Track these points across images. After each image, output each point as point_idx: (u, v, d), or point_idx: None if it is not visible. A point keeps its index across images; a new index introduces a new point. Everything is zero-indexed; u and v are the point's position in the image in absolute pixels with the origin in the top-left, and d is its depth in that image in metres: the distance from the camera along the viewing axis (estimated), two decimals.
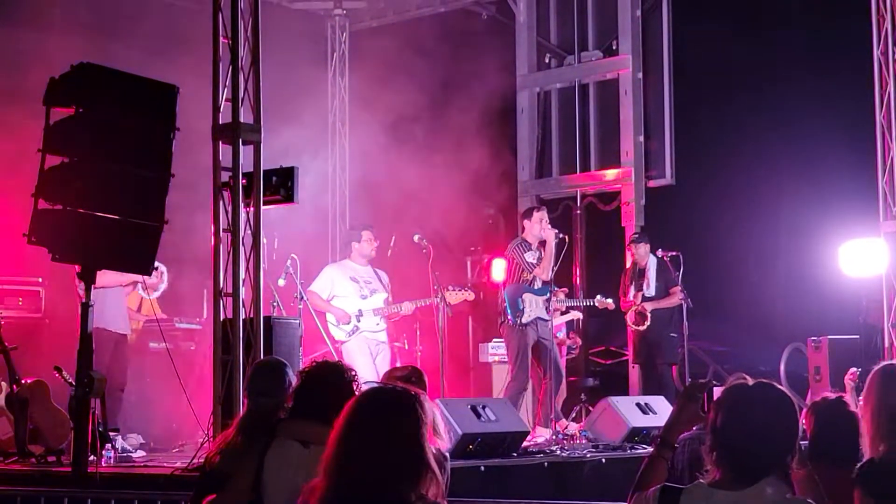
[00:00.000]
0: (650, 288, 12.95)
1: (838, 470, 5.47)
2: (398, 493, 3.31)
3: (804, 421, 6.01)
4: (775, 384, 3.80)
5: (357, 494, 3.33)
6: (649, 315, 12.82)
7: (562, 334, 13.32)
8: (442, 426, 5.60)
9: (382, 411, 3.41)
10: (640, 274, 13.02)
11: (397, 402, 3.44)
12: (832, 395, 5.75)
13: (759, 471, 3.56)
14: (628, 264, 13.42)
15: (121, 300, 10.76)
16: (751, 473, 3.56)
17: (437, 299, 11.38)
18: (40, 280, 11.82)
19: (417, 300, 11.58)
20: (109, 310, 10.42)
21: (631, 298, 13.00)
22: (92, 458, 7.98)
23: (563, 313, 13.15)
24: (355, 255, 11.75)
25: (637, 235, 13.41)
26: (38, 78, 8.15)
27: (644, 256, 13.07)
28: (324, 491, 3.36)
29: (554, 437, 10.78)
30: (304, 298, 11.38)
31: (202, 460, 8.01)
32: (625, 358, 13.24)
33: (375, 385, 3.64)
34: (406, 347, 13.14)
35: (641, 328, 12.84)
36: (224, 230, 8.35)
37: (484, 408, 9.36)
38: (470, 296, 11.65)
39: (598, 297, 12.92)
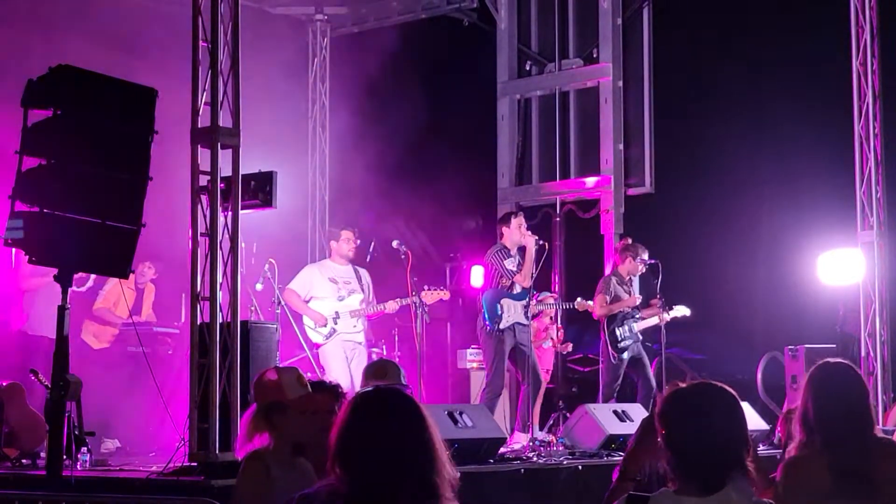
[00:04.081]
0: (634, 295, 12.92)
1: None
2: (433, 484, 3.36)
3: (779, 428, 6.06)
4: (712, 382, 3.76)
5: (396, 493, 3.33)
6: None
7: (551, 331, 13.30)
8: None
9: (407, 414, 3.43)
10: (628, 281, 12.96)
11: (406, 401, 3.46)
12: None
13: (721, 476, 3.55)
14: (607, 271, 13.41)
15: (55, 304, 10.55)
16: (713, 480, 3.55)
17: (416, 304, 11.39)
18: None
19: (400, 299, 11.56)
20: (40, 314, 10.38)
21: None
22: (67, 461, 7.94)
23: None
24: (334, 255, 11.76)
25: (628, 243, 13.37)
26: (16, 79, 8.11)
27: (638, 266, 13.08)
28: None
29: (531, 443, 10.79)
30: (282, 302, 11.37)
31: (176, 464, 8.02)
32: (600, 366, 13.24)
33: (379, 387, 3.62)
34: (384, 353, 13.13)
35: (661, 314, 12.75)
36: (202, 234, 8.31)
37: (461, 414, 9.35)
38: (445, 295, 11.65)
39: (579, 299, 12.91)
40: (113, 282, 11.47)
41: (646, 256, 12.62)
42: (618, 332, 12.59)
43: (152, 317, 12.21)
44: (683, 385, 3.74)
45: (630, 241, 12.79)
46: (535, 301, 12.56)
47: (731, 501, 3.54)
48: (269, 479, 5.24)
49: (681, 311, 12.69)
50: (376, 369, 6.19)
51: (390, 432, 3.38)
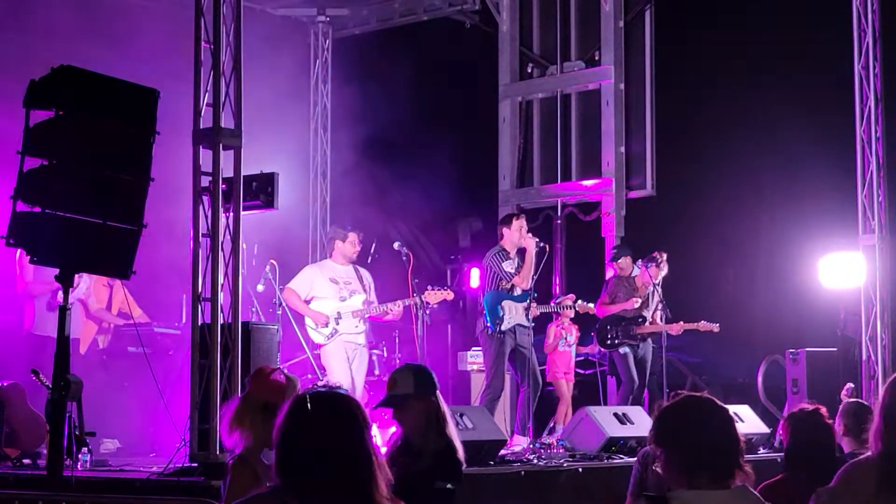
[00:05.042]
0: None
1: (814, 480, 5.50)
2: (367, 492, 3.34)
3: (781, 432, 6.05)
4: (696, 394, 4.00)
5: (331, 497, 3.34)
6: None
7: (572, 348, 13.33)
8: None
9: (345, 414, 3.43)
10: (633, 282, 12.97)
11: (347, 403, 3.46)
12: (809, 407, 5.78)
13: (728, 466, 3.73)
14: (609, 275, 13.42)
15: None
16: (722, 470, 3.72)
17: (416, 305, 11.38)
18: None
19: (399, 300, 11.54)
20: (44, 314, 10.36)
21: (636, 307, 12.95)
22: (68, 461, 7.94)
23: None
24: (337, 255, 11.65)
25: (616, 251, 13.35)
26: (18, 80, 8.11)
27: (628, 268, 13.07)
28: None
29: (531, 445, 10.78)
30: (282, 302, 11.35)
31: (177, 465, 8.03)
32: (603, 368, 13.24)
33: (318, 389, 3.63)
34: (385, 355, 13.13)
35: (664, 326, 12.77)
36: (203, 235, 8.33)
37: (461, 416, 9.35)
38: (449, 295, 11.62)
39: (580, 301, 12.90)
40: (92, 281, 11.41)
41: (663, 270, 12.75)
42: (609, 332, 12.61)
43: (144, 316, 12.17)
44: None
45: (661, 255, 12.79)
46: (552, 304, 12.65)
47: (748, 498, 3.74)
48: (258, 484, 5.23)
49: (706, 325, 12.79)
50: (389, 379, 6.16)
51: (315, 435, 3.39)
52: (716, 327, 12.81)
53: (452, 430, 5.88)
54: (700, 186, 15.42)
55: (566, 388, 12.99)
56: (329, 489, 3.34)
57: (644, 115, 14.81)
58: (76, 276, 10.41)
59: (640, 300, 12.62)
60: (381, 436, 9.98)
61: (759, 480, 5.70)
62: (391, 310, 11.54)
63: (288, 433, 3.42)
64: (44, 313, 10.58)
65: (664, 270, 12.77)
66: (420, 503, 5.68)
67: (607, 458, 10.12)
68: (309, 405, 3.42)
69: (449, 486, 5.78)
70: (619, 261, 13.06)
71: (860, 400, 8.47)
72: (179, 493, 7.49)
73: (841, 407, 7.15)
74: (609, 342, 12.60)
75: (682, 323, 12.76)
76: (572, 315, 13.30)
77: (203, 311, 8.21)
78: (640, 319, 12.63)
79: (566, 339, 13.29)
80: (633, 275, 12.97)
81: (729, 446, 3.75)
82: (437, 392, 5.91)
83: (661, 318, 12.72)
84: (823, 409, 5.75)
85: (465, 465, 5.83)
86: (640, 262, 12.95)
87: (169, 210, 10.00)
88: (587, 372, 14.19)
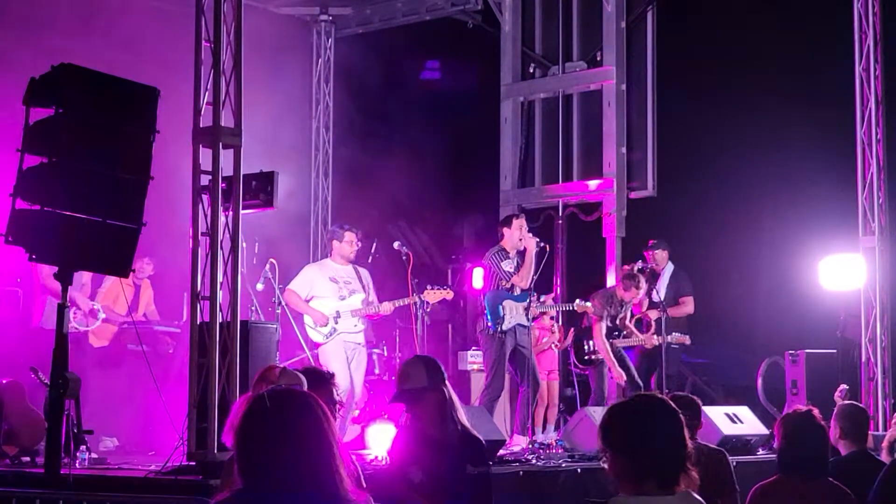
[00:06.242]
0: (659, 294, 12.90)
1: (807, 481, 5.52)
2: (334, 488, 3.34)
3: (775, 433, 6.06)
4: (650, 393, 4.05)
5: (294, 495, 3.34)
6: (653, 323, 12.78)
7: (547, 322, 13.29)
8: None
9: (301, 411, 3.42)
10: (654, 279, 12.99)
11: (304, 398, 3.45)
12: (802, 408, 5.79)
13: (675, 472, 3.70)
14: (611, 281, 13.42)
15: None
16: (669, 476, 3.69)
17: (416, 304, 11.38)
18: (19, 280, 11.78)
19: (396, 300, 11.53)
20: (48, 308, 10.40)
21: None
22: (66, 459, 7.95)
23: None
24: (335, 255, 11.65)
25: (655, 242, 13.41)
26: (18, 77, 8.13)
27: (662, 262, 13.14)
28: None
29: (530, 446, 10.78)
30: (282, 301, 11.36)
31: (175, 464, 8.04)
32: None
33: (272, 389, 3.62)
34: (385, 354, 13.13)
35: (643, 336, 12.74)
36: (203, 234, 8.34)
37: None
38: (448, 294, 11.62)
39: (578, 300, 12.83)
40: (111, 279, 11.47)
41: (642, 291, 12.63)
42: (585, 346, 12.57)
43: (155, 314, 12.21)
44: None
45: (635, 269, 12.71)
46: (534, 305, 12.59)
47: (691, 499, 3.71)
48: None
49: (675, 337, 12.71)
50: (400, 373, 6.17)
51: (270, 433, 3.37)
52: (686, 339, 12.78)
53: (463, 416, 5.93)
54: (701, 188, 15.42)
55: (545, 387, 12.94)
56: (290, 487, 3.33)
57: (645, 116, 14.80)
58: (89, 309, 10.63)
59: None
60: (381, 436, 9.99)
61: (759, 482, 5.72)
62: (382, 310, 11.48)
63: (244, 433, 3.40)
64: (54, 309, 10.61)
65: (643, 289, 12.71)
66: (462, 495, 5.72)
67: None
68: (267, 403, 3.41)
69: (482, 469, 5.82)
70: (656, 252, 13.15)
71: (855, 402, 8.47)
72: (177, 491, 7.50)
73: (836, 409, 7.16)
74: (586, 357, 12.56)
75: (652, 335, 12.67)
76: (553, 314, 13.29)
77: (202, 310, 8.22)
78: (615, 333, 12.56)
79: (549, 337, 13.27)
80: (664, 269, 13.06)
81: (677, 452, 3.71)
82: (446, 381, 5.95)
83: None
84: (816, 411, 5.75)
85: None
86: (639, 263, 12.98)
87: (169, 208, 10.02)
88: (585, 372, 14.18)
